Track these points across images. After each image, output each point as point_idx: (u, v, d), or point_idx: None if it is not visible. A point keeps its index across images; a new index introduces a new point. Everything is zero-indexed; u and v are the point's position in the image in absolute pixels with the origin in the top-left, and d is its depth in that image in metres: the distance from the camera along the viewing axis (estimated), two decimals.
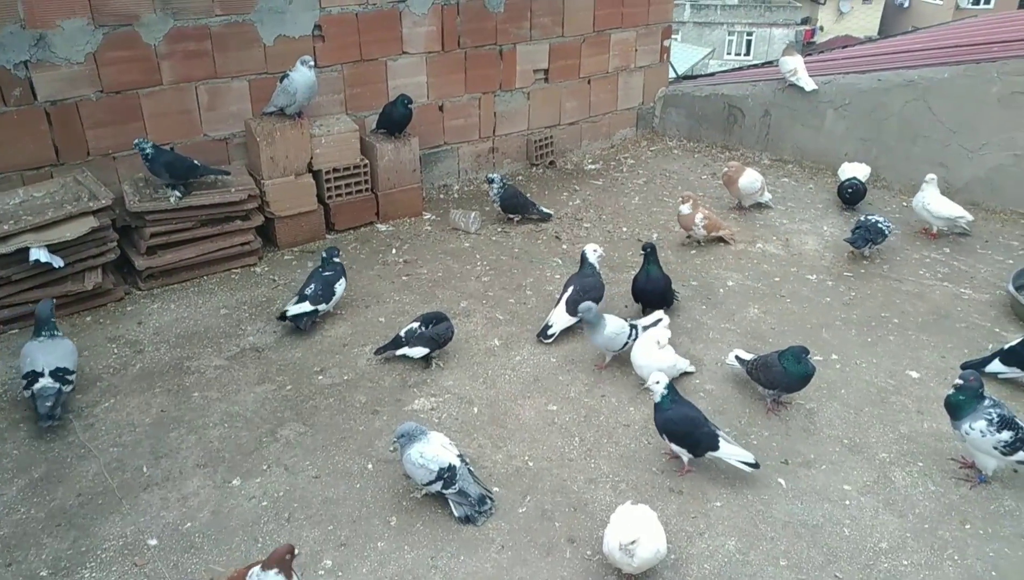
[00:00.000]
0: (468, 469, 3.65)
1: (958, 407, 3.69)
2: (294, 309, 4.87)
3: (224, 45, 5.74)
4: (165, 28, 5.48)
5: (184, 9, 5.51)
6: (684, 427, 3.72)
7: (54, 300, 4.39)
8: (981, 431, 3.59)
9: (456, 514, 3.57)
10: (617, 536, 3.12)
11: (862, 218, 5.82)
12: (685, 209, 5.92)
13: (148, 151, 5.19)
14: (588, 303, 4.48)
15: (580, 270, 5.08)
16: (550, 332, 4.87)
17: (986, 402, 3.65)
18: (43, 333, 4.16)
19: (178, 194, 5.27)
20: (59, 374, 4.03)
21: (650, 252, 4.99)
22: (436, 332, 4.56)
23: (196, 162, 5.41)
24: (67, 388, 4.10)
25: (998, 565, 3.37)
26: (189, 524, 3.54)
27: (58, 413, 3.99)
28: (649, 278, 5.01)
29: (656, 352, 4.25)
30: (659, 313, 4.72)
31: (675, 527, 3.52)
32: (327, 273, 4.99)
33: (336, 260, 5.06)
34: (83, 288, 4.97)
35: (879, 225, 5.68)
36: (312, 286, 4.92)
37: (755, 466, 3.73)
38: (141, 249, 5.29)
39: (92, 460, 3.89)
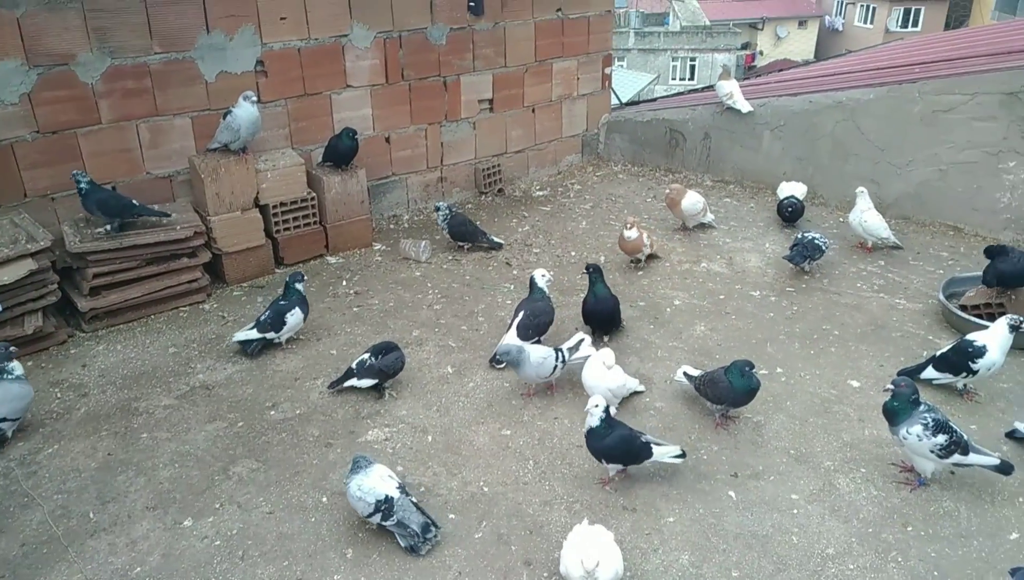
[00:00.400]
0: (410, 500, 3.63)
1: (895, 413, 3.81)
2: (242, 334, 4.97)
3: (165, 83, 5.73)
4: (102, 67, 5.46)
5: (121, 47, 5.50)
6: (622, 448, 3.79)
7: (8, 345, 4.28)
8: (918, 435, 3.71)
9: (402, 544, 3.57)
10: (578, 558, 3.14)
11: (799, 236, 5.99)
12: (631, 234, 5.98)
13: (83, 186, 5.13)
14: (506, 345, 4.51)
15: (530, 295, 5.13)
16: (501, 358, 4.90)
17: (921, 408, 3.77)
18: None
19: (107, 228, 5.20)
20: None
21: (593, 272, 5.08)
22: (385, 363, 4.56)
23: (134, 202, 5.37)
24: None
25: (940, 565, 3.47)
26: (139, 569, 3.47)
27: None
28: (598, 299, 5.09)
29: (606, 373, 4.31)
30: (579, 334, 4.77)
31: (629, 544, 3.56)
32: (282, 302, 5.02)
33: (298, 286, 5.05)
34: (23, 332, 4.87)
35: (816, 241, 5.86)
36: (266, 314, 4.98)
37: (682, 455, 3.88)
38: (84, 290, 5.22)
39: (36, 508, 3.80)
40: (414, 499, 3.68)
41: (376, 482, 3.56)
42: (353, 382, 4.58)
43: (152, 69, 5.67)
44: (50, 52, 5.25)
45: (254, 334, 4.97)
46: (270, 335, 4.98)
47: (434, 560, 3.52)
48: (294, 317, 5.00)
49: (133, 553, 3.55)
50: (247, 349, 4.99)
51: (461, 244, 6.55)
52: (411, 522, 3.55)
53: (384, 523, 3.55)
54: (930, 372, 4.54)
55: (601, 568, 3.09)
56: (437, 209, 6.49)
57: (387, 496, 3.54)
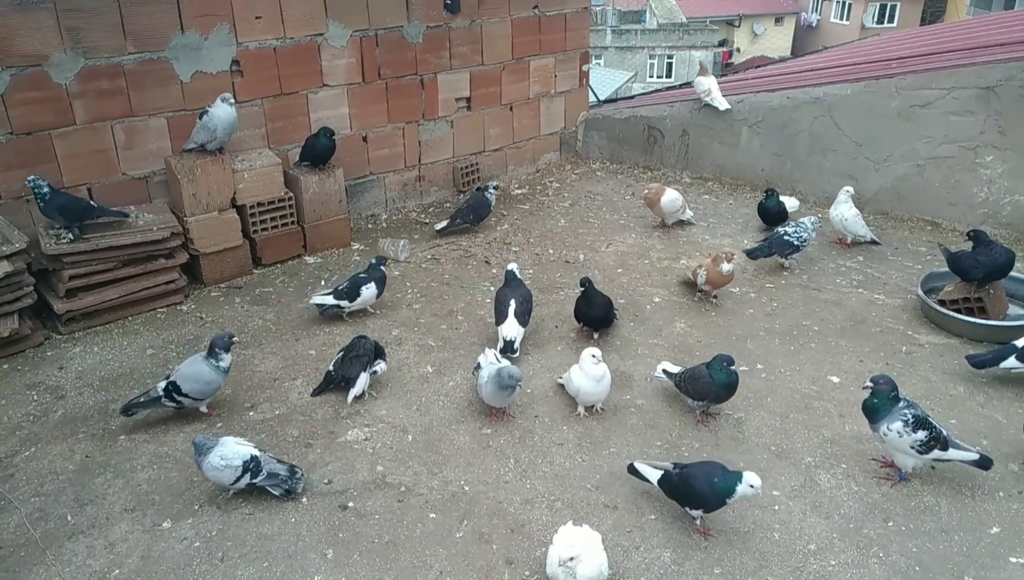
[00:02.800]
0: (268, 455, 3.83)
1: (874, 410, 3.84)
2: (318, 298, 5.36)
3: (139, 83, 5.67)
4: (76, 67, 5.39)
5: (95, 48, 5.43)
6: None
7: None
8: (898, 432, 3.74)
9: (276, 494, 3.77)
10: (558, 553, 3.15)
11: (777, 230, 6.03)
12: (728, 267, 5.38)
13: (45, 191, 5.03)
14: (518, 373, 4.29)
15: (510, 284, 5.19)
16: (516, 346, 4.94)
17: (901, 404, 3.80)
18: None
19: (71, 237, 5.14)
20: None
21: (588, 286, 5.07)
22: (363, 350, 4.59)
23: (92, 204, 5.33)
24: None
25: (921, 560, 3.50)
26: (117, 571, 3.44)
27: None
28: (592, 304, 5.10)
29: (592, 368, 4.28)
30: (488, 350, 4.65)
31: (611, 542, 3.56)
32: (362, 276, 5.37)
33: (382, 268, 5.42)
34: None
35: (786, 238, 5.89)
36: (344, 284, 5.34)
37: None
38: (60, 292, 5.16)
39: (12, 512, 3.75)
40: (271, 454, 3.87)
41: (234, 448, 3.72)
42: (360, 388, 4.56)
43: (126, 69, 5.60)
44: (23, 53, 5.18)
45: (329, 300, 5.31)
46: (343, 303, 5.30)
47: (415, 559, 3.51)
48: (368, 291, 5.32)
49: (111, 555, 3.52)
50: (322, 311, 5.37)
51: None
52: (279, 470, 3.78)
53: (255, 480, 3.71)
54: (1012, 362, 4.48)
55: (581, 563, 3.09)
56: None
57: (252, 455, 3.72)
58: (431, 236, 6.87)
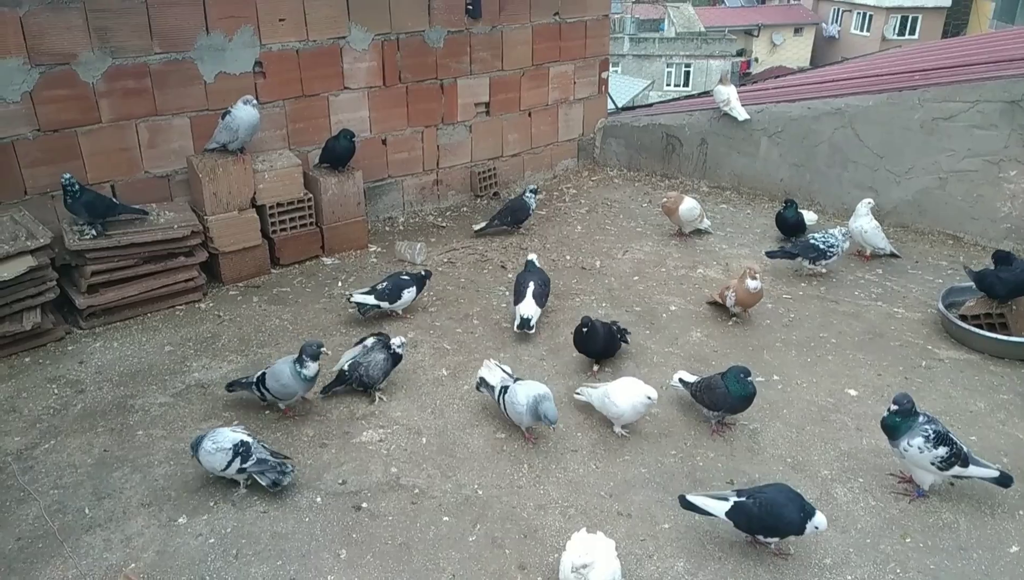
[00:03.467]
0: (261, 444, 3.87)
1: (895, 428, 3.79)
2: (359, 297, 5.37)
3: (164, 82, 5.72)
4: (103, 66, 5.45)
5: (122, 47, 5.49)
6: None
7: None
8: (919, 448, 3.69)
9: (264, 483, 3.79)
10: (571, 559, 3.15)
11: (806, 238, 6.12)
12: (755, 284, 5.28)
13: (77, 189, 5.10)
14: (550, 398, 4.19)
15: (529, 269, 5.47)
16: (532, 323, 5.17)
17: (920, 419, 3.76)
18: None
19: (94, 233, 5.19)
20: None
21: (590, 326, 4.78)
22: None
23: (115, 201, 5.41)
24: None
25: (939, 577, 3.46)
26: (133, 565, 3.46)
27: None
28: (590, 339, 4.83)
29: (640, 387, 4.24)
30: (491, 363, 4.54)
31: (625, 550, 3.55)
32: (404, 278, 5.44)
33: (424, 273, 5.57)
34: (21, 328, 4.87)
35: (812, 241, 5.92)
36: (385, 284, 5.39)
37: None
38: (82, 288, 5.21)
39: (32, 503, 3.79)
40: (263, 443, 3.92)
41: (226, 434, 3.79)
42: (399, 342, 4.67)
43: (152, 69, 5.66)
44: (52, 51, 5.25)
45: (371, 300, 5.34)
46: (384, 304, 5.35)
47: (428, 562, 3.52)
48: (409, 293, 5.41)
49: (128, 549, 3.55)
50: (361, 311, 5.40)
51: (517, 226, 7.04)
52: (269, 458, 3.81)
53: (245, 465, 3.74)
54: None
55: (594, 571, 3.08)
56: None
57: (242, 440, 3.77)
58: (468, 235, 6.98)
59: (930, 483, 3.85)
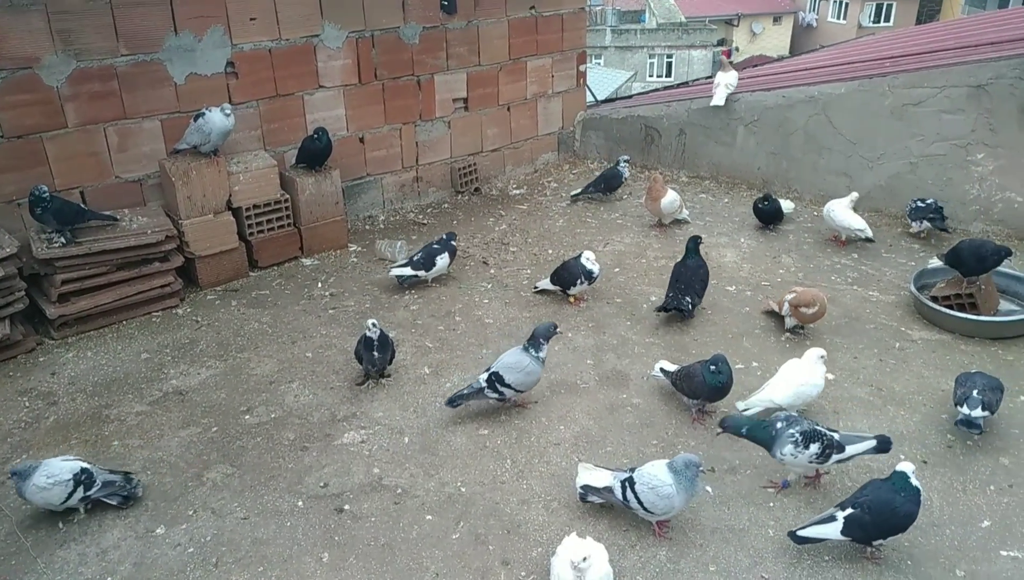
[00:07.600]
0: (98, 467, 3.74)
1: (760, 442, 3.78)
2: (397, 270, 5.74)
3: (132, 85, 5.65)
4: (68, 70, 5.37)
5: (86, 50, 5.41)
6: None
7: None
8: (792, 454, 3.67)
9: (114, 504, 3.72)
10: (568, 556, 3.13)
11: (919, 202, 6.34)
12: (809, 311, 5.08)
13: (47, 197, 5.03)
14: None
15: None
16: (539, 285, 5.70)
17: (779, 425, 3.71)
18: None
19: (63, 241, 5.13)
20: None
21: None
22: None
23: (83, 207, 5.34)
24: None
25: (912, 554, 3.47)
26: (109, 579, 3.42)
27: None
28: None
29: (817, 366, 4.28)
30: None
31: (608, 541, 3.53)
32: (435, 246, 5.77)
33: (452, 243, 5.84)
34: None
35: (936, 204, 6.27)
36: (419, 254, 5.73)
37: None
38: (52, 297, 5.13)
39: (3, 520, 3.73)
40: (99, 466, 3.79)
41: (59, 465, 3.62)
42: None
43: (119, 71, 5.59)
44: (13, 55, 5.16)
45: (408, 271, 5.71)
46: (421, 273, 5.72)
47: (411, 561, 3.49)
48: (442, 260, 5.75)
49: (104, 563, 3.50)
50: (402, 281, 5.79)
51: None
52: (114, 478, 3.73)
53: (89, 493, 3.63)
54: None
55: (591, 567, 3.07)
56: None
57: (82, 468, 3.63)
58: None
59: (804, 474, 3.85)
